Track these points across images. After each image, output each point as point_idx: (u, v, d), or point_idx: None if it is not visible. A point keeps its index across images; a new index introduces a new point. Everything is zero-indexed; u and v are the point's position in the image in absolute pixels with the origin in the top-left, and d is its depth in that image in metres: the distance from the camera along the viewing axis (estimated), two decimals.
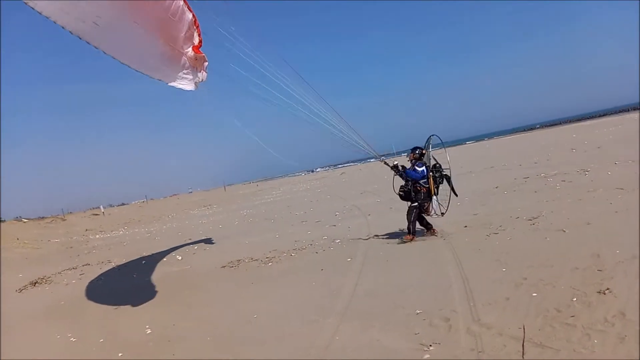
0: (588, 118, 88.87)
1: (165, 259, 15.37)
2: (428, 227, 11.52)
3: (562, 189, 14.17)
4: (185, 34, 8.52)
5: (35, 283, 13.56)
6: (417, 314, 6.33)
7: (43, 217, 46.65)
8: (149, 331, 7.84)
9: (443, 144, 12.10)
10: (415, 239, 11.15)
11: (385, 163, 11.98)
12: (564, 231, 9.16)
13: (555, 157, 24.39)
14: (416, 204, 11.37)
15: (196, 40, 8.78)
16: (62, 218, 44.39)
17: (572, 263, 7.12)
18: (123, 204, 74.48)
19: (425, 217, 11.61)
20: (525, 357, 4.62)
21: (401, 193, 11.67)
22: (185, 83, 9.17)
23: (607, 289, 5.84)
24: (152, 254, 16.54)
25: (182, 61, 8.88)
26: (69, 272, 14.71)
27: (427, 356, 5.12)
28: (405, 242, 11.08)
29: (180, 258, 15.10)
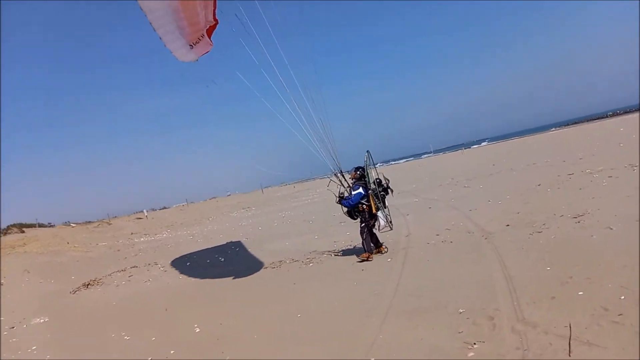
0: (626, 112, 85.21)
1: (208, 261, 15.85)
2: (377, 245, 11.49)
3: (609, 185, 13.71)
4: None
5: (87, 285, 14.24)
6: (460, 312, 6.35)
7: (90, 222, 48.61)
8: (197, 330, 8.16)
9: (373, 163, 11.87)
10: (450, 240, 11.10)
11: (340, 199, 11.72)
12: (611, 229, 8.91)
13: (601, 152, 23.51)
14: (363, 224, 11.39)
15: (211, 16, 9.00)
16: (108, 222, 46.06)
17: (620, 261, 6.95)
18: (165, 208, 76.36)
19: (376, 233, 11.59)
20: (572, 356, 4.59)
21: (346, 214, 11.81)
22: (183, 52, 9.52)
23: None
24: (196, 256, 17.07)
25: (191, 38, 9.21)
26: (118, 274, 15.36)
27: (471, 354, 5.15)
28: (362, 260, 11.01)
29: (222, 259, 15.53)
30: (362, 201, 11.33)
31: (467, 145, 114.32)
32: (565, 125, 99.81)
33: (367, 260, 10.93)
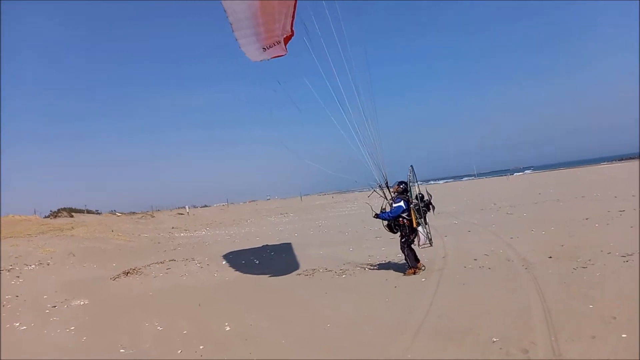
0: None
1: (243, 262, 16.10)
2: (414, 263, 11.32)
3: None
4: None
5: (127, 273, 14.74)
6: (494, 341, 6.20)
7: (134, 213, 50.40)
8: (227, 328, 8.32)
9: (415, 179, 11.64)
10: (488, 267, 10.85)
11: (376, 212, 11.73)
12: None
13: None
14: (404, 239, 11.29)
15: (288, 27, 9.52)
16: (151, 215, 47.57)
17: None
18: (205, 206, 78.25)
19: (415, 249, 11.42)
20: None
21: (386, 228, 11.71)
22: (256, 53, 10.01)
23: None
24: (232, 256, 17.38)
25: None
26: (157, 265, 15.83)
27: None
28: (408, 275, 10.97)
29: (257, 262, 15.74)
30: (403, 215, 11.31)
31: (512, 171, 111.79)
32: (618, 160, 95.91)
33: (414, 274, 10.95)
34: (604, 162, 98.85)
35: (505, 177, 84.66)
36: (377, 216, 11.66)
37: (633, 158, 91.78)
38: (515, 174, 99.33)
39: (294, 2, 9.18)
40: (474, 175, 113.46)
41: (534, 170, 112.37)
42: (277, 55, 10.21)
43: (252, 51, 10.09)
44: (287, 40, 9.83)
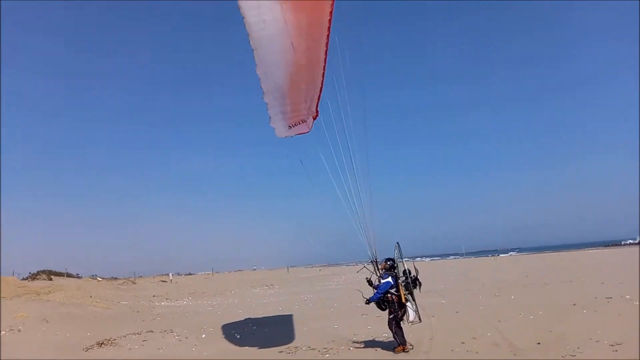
0: None
1: (224, 336, 15.54)
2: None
3: None
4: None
5: (101, 344, 14.13)
6: None
7: (116, 278, 49.09)
8: None
9: (401, 256, 11.70)
10: (476, 351, 10.59)
11: (369, 282, 11.79)
12: None
13: None
14: (392, 315, 11.15)
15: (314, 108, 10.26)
16: (132, 281, 46.34)
17: None
18: (190, 274, 76.53)
19: (403, 327, 11.24)
20: None
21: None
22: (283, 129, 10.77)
23: None
24: (213, 329, 16.79)
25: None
26: (134, 336, 15.21)
27: None
28: (397, 353, 10.77)
29: (238, 337, 15.20)
30: (392, 291, 11.21)
31: (497, 252, 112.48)
32: (605, 246, 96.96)
33: (403, 351, 10.70)
34: (589, 247, 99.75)
35: (493, 257, 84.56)
36: (368, 302, 11.59)
37: (617, 245, 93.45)
38: (501, 254, 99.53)
39: (320, 85, 9.85)
40: (462, 255, 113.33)
41: (519, 252, 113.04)
42: (300, 132, 10.85)
43: (279, 127, 10.77)
44: (311, 120, 10.52)
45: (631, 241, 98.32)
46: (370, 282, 11.70)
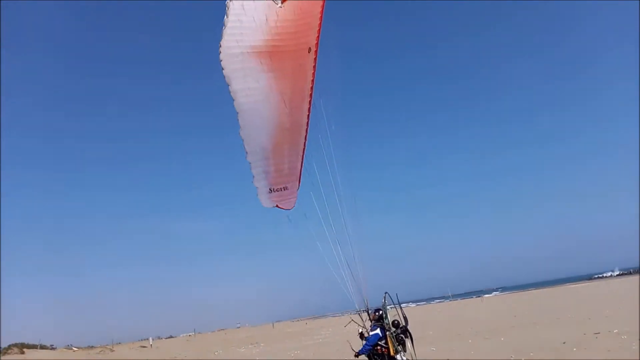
0: None
1: None
2: None
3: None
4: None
5: None
6: None
7: (92, 347, 46.81)
8: None
9: (394, 302, 11.54)
10: None
11: (361, 336, 11.45)
12: None
13: (630, 311, 22.52)
14: None
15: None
16: (110, 348, 44.29)
17: None
18: (171, 337, 73.77)
19: None
20: None
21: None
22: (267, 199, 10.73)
23: None
24: None
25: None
26: None
27: None
28: None
29: None
30: (381, 343, 10.87)
31: (483, 292, 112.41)
32: (587, 280, 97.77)
33: None
34: (571, 282, 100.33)
35: (479, 298, 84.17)
36: (357, 355, 11.25)
37: (599, 277, 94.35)
38: (486, 295, 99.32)
39: (303, 147, 10.22)
40: (448, 297, 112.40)
41: (502, 291, 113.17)
42: (281, 206, 10.89)
43: (261, 189, 10.70)
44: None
45: (611, 273, 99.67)
46: (362, 336, 11.36)
